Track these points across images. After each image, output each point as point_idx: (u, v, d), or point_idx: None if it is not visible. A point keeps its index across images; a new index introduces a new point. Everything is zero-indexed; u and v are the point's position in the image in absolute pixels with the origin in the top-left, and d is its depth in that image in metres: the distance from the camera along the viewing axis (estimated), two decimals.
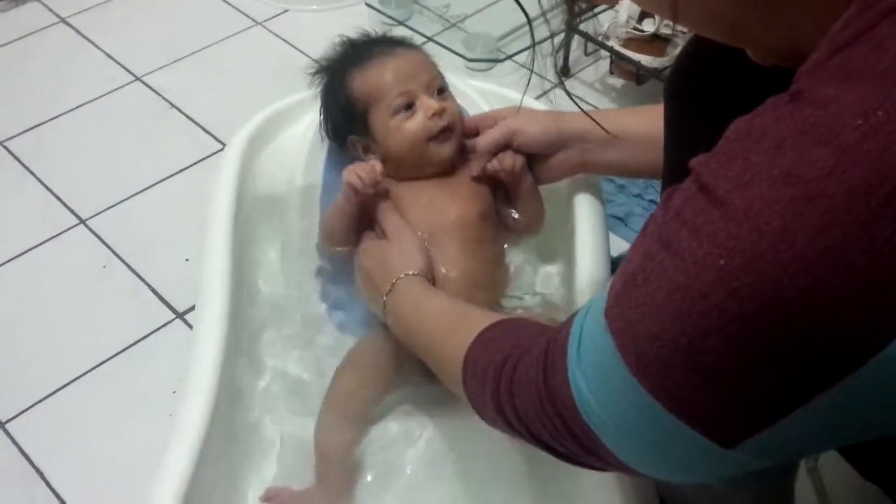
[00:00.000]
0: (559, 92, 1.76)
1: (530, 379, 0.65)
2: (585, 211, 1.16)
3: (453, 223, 1.11)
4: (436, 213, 1.11)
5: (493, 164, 1.13)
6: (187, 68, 1.83)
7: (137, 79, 1.80)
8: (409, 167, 1.13)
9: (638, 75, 1.70)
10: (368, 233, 1.13)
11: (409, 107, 1.11)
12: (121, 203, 1.54)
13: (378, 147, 1.13)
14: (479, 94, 1.31)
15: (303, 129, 1.30)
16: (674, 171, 0.81)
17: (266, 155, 1.31)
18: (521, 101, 1.12)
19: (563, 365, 0.60)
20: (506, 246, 1.19)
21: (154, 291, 1.39)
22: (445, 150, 1.12)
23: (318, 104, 1.23)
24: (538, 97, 1.70)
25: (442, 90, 1.14)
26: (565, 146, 1.12)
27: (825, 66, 0.49)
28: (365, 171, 1.09)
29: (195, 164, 1.61)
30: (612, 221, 1.45)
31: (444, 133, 1.12)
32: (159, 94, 1.76)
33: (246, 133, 1.30)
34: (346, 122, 1.16)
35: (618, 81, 1.77)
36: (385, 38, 1.20)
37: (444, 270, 1.07)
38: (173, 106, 1.74)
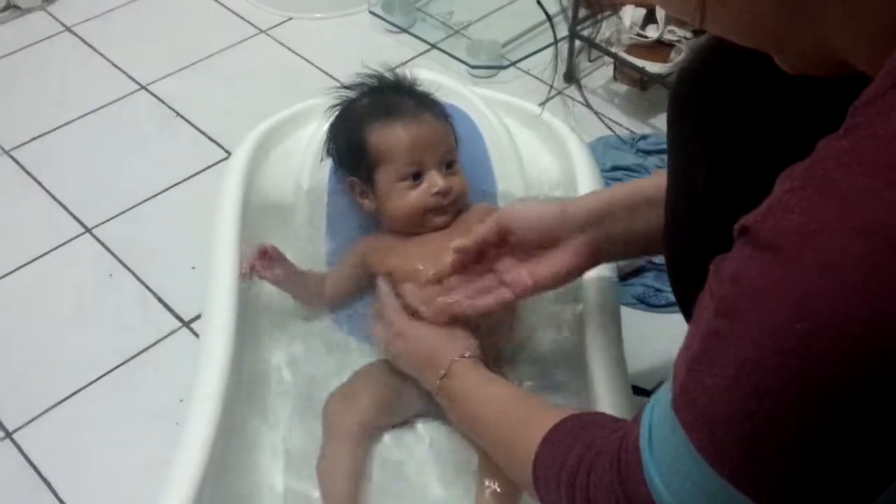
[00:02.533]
0: (561, 99, 1.77)
1: (606, 485, 0.61)
2: None
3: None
4: (432, 260, 1.11)
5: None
6: (192, 77, 1.84)
7: (143, 87, 1.81)
8: (402, 226, 1.16)
9: (642, 81, 1.70)
10: (384, 298, 1.09)
11: (417, 176, 1.13)
12: (127, 211, 1.55)
13: (376, 200, 1.16)
14: (481, 100, 1.31)
15: (308, 136, 1.31)
16: (678, 179, 0.81)
17: (271, 162, 1.31)
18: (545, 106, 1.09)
19: (637, 467, 0.57)
20: None
21: (160, 300, 1.40)
22: (441, 221, 1.15)
23: (324, 113, 1.24)
24: (542, 104, 1.71)
25: (452, 164, 1.16)
26: (570, 231, 0.96)
27: (886, 98, 0.45)
28: (258, 260, 1.11)
29: (200, 172, 1.61)
30: None
31: (444, 209, 1.14)
32: (164, 103, 1.77)
33: (251, 141, 1.30)
34: (352, 163, 1.18)
35: (621, 87, 1.77)
36: (415, 93, 1.19)
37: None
38: (178, 115, 1.74)
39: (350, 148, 1.18)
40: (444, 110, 1.19)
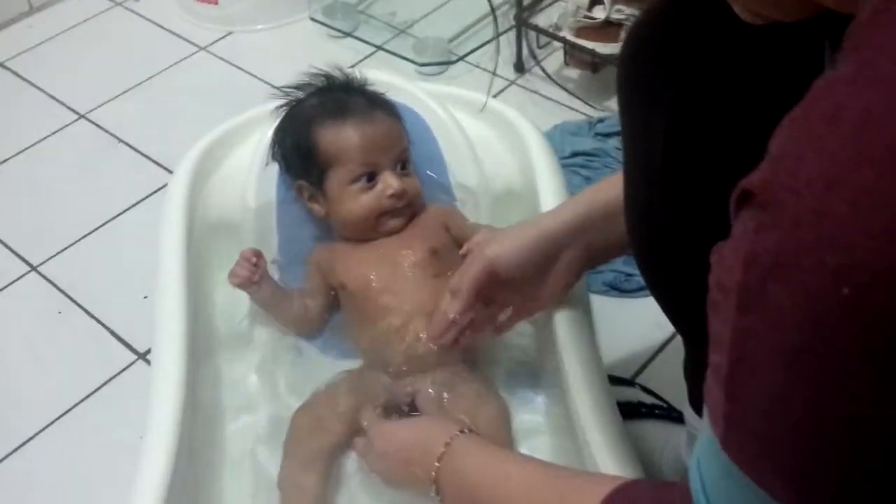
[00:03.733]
0: (514, 89, 1.72)
1: None
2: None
3: (406, 270, 1.08)
4: (391, 266, 1.08)
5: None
6: (133, 101, 1.78)
7: (82, 116, 1.74)
8: (354, 231, 1.12)
9: (594, 64, 1.66)
10: (366, 414, 0.98)
11: (371, 177, 1.09)
12: (73, 245, 1.48)
13: (327, 204, 1.12)
14: (430, 96, 1.26)
15: (252, 147, 1.25)
16: (634, 162, 0.76)
17: (216, 178, 1.26)
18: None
19: None
20: None
21: (113, 333, 1.34)
22: (395, 224, 1.11)
23: (268, 121, 1.19)
24: (496, 95, 1.66)
25: (405, 164, 1.11)
26: (559, 252, 0.92)
27: (891, 11, 0.38)
28: (243, 267, 1.07)
29: (147, 197, 1.55)
30: None
31: (399, 212, 1.10)
32: (106, 130, 1.71)
33: (190, 160, 1.24)
34: (301, 167, 1.13)
35: (574, 72, 1.73)
36: (365, 91, 1.14)
37: (397, 311, 1.05)
38: (121, 140, 1.68)
39: (298, 150, 1.12)
40: (395, 109, 1.14)
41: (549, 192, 1.14)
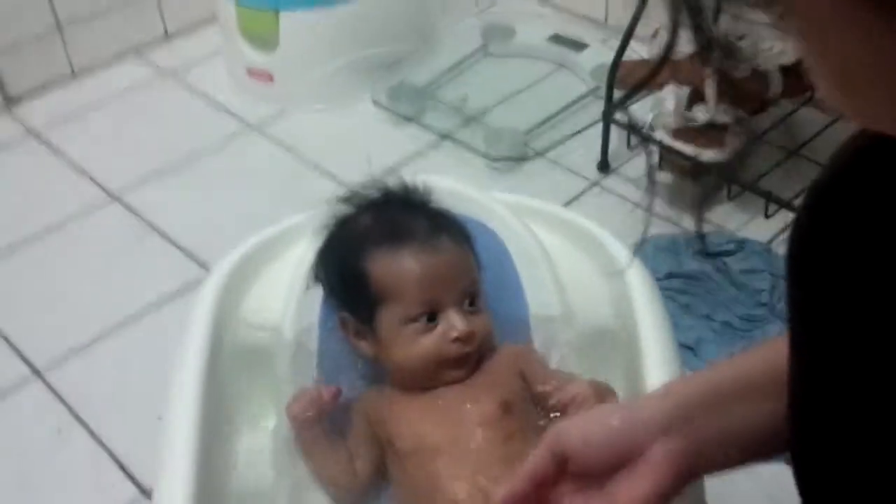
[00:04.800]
0: (596, 191, 1.52)
1: None
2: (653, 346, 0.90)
3: (472, 428, 0.87)
4: (452, 424, 0.87)
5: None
6: (171, 182, 1.60)
7: (114, 198, 1.57)
8: (408, 380, 0.91)
9: (693, 170, 1.45)
10: None
11: (432, 317, 0.89)
12: (86, 348, 1.29)
13: (376, 344, 0.91)
14: (508, 209, 1.06)
15: (297, 259, 1.05)
16: (807, 359, 0.54)
17: (253, 292, 1.06)
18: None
19: None
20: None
21: (117, 462, 1.13)
22: (459, 375, 0.90)
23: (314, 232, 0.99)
24: (567, 203, 1.47)
25: (474, 300, 0.92)
26: (651, 439, 0.68)
27: None
28: (307, 401, 0.90)
29: (175, 295, 1.36)
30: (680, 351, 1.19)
31: (466, 358, 0.90)
32: (138, 215, 1.53)
33: (230, 263, 1.05)
34: (347, 299, 0.94)
35: (668, 177, 1.52)
36: (428, 209, 0.95)
37: (457, 487, 0.83)
38: (154, 228, 1.50)
39: (344, 279, 0.92)
40: (464, 230, 0.94)
41: (650, 330, 0.93)
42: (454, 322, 0.87)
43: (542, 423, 0.91)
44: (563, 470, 0.70)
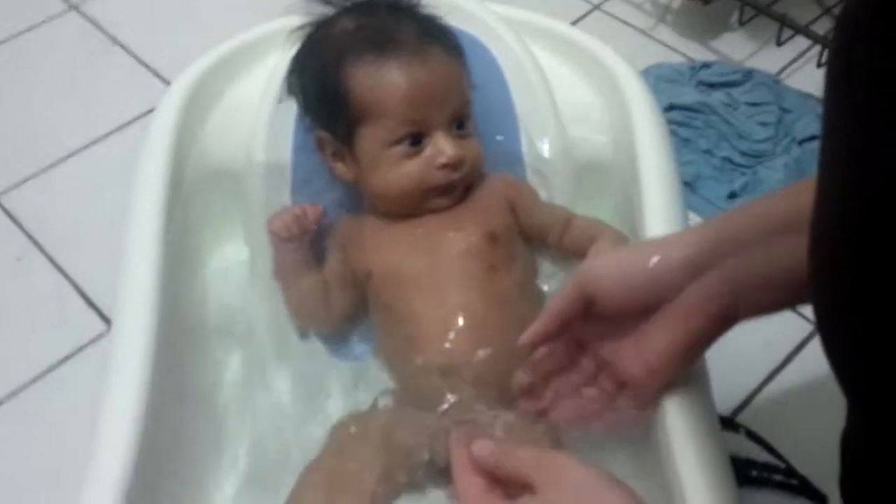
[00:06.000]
0: (597, 15, 1.41)
1: None
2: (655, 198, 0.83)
3: (455, 258, 0.81)
4: (433, 252, 0.81)
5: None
6: None
7: (73, 7, 1.45)
8: (389, 206, 0.85)
9: None
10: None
11: (418, 139, 0.80)
12: (45, 171, 1.21)
13: (356, 167, 0.84)
14: (506, 24, 0.96)
15: (268, 72, 0.96)
16: (849, 181, 0.46)
17: (222, 106, 0.97)
18: None
19: None
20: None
21: (81, 293, 1.07)
22: (444, 203, 0.84)
23: (287, 38, 0.89)
24: (574, 22, 1.36)
25: (464, 122, 0.83)
26: (687, 278, 0.62)
27: None
28: (290, 218, 0.84)
29: (142, 116, 1.27)
30: None
31: (453, 185, 0.83)
32: (99, 27, 1.41)
33: (191, 76, 0.96)
34: (324, 114, 0.85)
35: (675, 1, 1.41)
36: (417, 16, 0.84)
37: (436, 317, 0.78)
38: (116, 42, 1.39)
39: (322, 92, 0.83)
40: (457, 43, 0.84)
41: (652, 166, 0.85)
42: (442, 146, 0.79)
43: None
44: (588, 312, 0.66)
